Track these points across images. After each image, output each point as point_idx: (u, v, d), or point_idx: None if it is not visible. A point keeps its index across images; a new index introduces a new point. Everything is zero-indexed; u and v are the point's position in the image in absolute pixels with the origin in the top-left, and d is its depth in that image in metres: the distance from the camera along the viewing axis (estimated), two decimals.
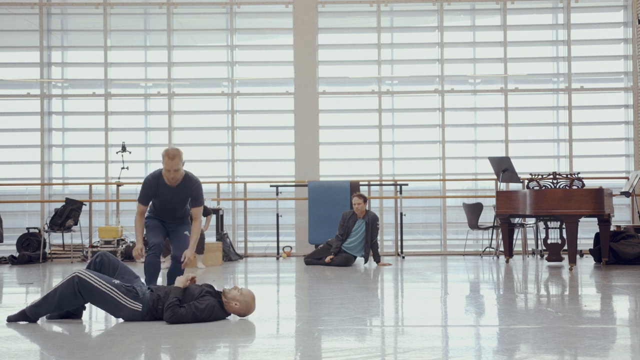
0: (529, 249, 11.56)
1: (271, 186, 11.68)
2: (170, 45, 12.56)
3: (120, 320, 5.10)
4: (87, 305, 5.30)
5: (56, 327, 4.98)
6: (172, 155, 5.99)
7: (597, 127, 12.62)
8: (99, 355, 4.06)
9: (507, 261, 9.97)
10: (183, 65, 12.74)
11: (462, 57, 12.68)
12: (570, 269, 8.83)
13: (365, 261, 10.08)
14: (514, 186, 11.17)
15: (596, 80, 12.65)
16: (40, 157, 12.46)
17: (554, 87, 12.72)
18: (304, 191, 11.82)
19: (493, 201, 11.11)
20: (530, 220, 10.97)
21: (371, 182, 11.96)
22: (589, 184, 10.27)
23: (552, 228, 10.10)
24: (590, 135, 12.56)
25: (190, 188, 6.16)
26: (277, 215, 11.49)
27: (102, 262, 5.23)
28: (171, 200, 6.21)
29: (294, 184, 11.95)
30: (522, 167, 11.44)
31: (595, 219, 9.60)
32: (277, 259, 11.34)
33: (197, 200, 6.19)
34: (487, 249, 11.43)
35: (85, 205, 11.47)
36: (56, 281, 8.54)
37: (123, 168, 11.50)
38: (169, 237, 6.37)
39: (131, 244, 11.15)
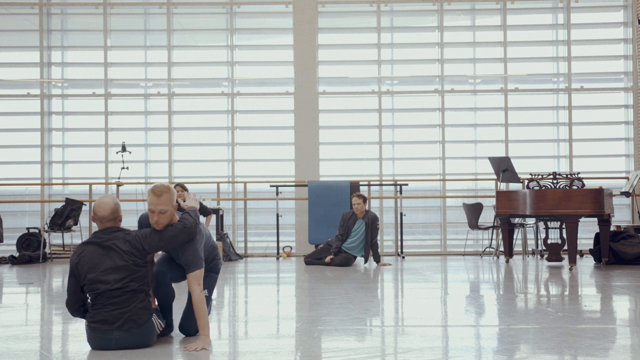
0: (529, 249, 11.56)
1: (271, 186, 11.68)
2: (170, 45, 12.55)
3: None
4: None
5: (56, 328, 4.97)
6: (159, 192, 4.38)
7: (597, 127, 12.61)
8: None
9: (507, 261, 9.97)
10: (183, 65, 12.74)
11: (462, 57, 12.68)
12: (570, 269, 8.83)
13: (365, 261, 10.08)
14: (514, 186, 11.17)
15: (596, 80, 12.64)
16: (40, 157, 12.46)
17: (554, 87, 12.71)
18: (304, 191, 11.82)
19: (493, 201, 11.11)
20: (530, 220, 10.97)
21: (371, 182, 11.95)
22: (589, 184, 10.27)
23: (552, 228, 10.10)
24: (590, 135, 12.55)
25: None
26: (277, 215, 11.49)
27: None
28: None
29: (294, 184, 11.95)
30: (522, 167, 11.44)
31: (595, 219, 9.60)
32: (277, 259, 11.34)
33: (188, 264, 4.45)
34: (487, 249, 11.43)
35: (85, 205, 11.47)
36: (56, 281, 8.55)
37: (123, 168, 11.49)
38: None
39: None
